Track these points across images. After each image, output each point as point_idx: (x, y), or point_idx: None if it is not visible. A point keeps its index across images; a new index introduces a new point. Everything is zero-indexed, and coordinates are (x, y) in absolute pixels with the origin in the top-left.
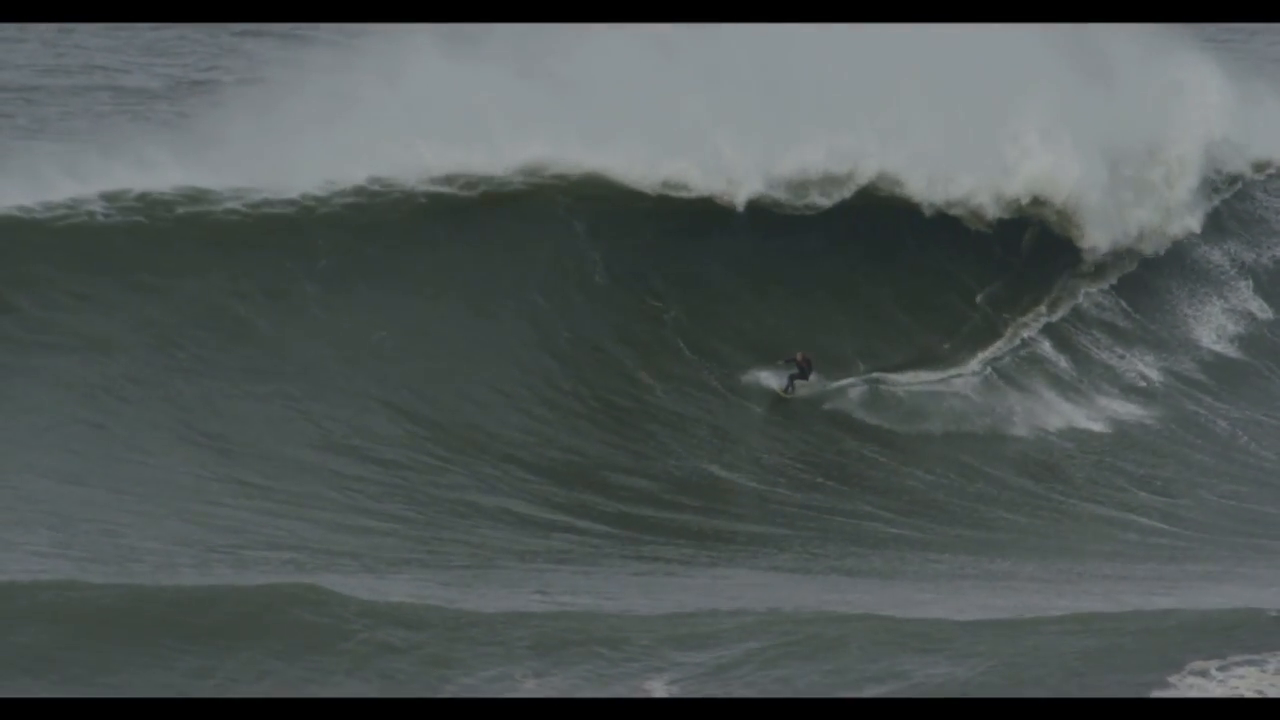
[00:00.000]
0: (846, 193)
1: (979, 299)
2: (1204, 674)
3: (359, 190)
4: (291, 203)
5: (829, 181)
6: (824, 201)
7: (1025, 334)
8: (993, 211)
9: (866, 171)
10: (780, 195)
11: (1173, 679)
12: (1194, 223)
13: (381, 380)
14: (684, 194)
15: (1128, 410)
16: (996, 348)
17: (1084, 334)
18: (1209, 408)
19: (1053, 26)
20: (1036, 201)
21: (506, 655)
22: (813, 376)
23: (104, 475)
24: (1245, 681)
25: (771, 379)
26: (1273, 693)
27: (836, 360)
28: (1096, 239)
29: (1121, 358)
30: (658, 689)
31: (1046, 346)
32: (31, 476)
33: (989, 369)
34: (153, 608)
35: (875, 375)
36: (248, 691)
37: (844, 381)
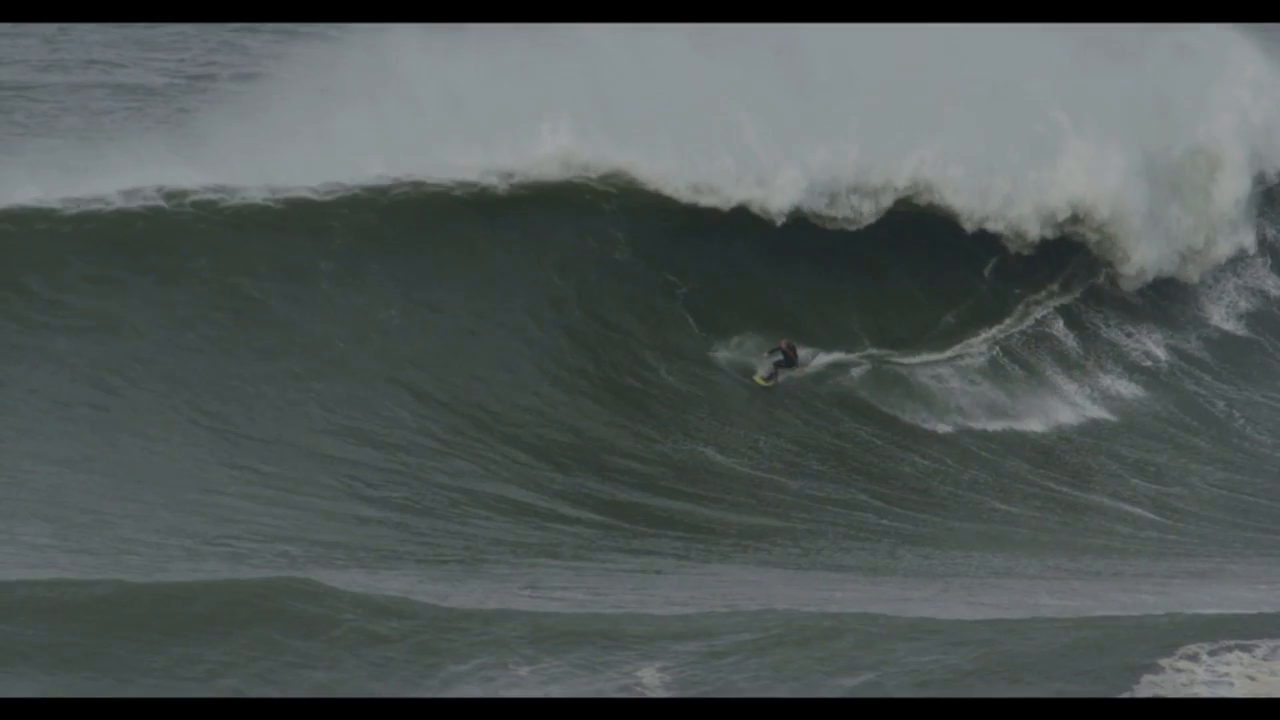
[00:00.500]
0: (886, 200)
1: (991, 275)
2: (1194, 658)
3: (380, 176)
4: (312, 190)
5: (864, 190)
6: (864, 208)
7: (1037, 312)
8: (1035, 228)
9: (901, 178)
10: (818, 206)
11: (1164, 662)
12: (1247, 238)
13: (389, 358)
14: (714, 200)
15: (1130, 391)
16: (1006, 325)
17: (1096, 311)
18: (1209, 388)
19: (1057, 26)
20: (1075, 219)
21: (499, 645)
22: (803, 353)
23: (103, 461)
24: (1233, 668)
25: (758, 368)
26: (1261, 677)
27: (844, 335)
28: (1142, 257)
29: (1129, 335)
30: (649, 675)
31: (1058, 325)
32: (30, 462)
33: (996, 348)
34: (143, 598)
35: (880, 353)
36: (236, 677)
37: (849, 357)
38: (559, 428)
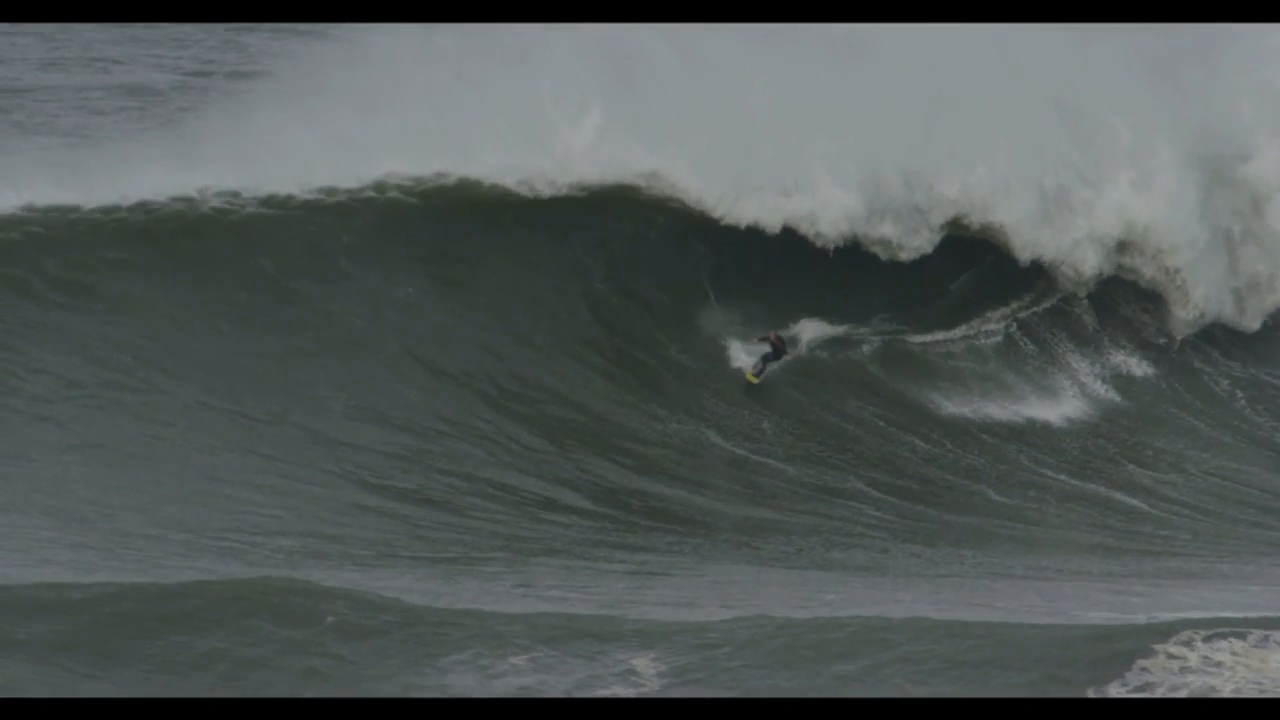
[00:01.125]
0: (937, 220)
1: (1014, 251)
2: (1189, 644)
3: (403, 164)
4: (336, 180)
5: (913, 205)
6: (918, 228)
7: (1058, 291)
8: (1093, 257)
9: (950, 185)
10: (869, 229)
11: (1158, 648)
12: None
13: (406, 335)
14: (759, 212)
15: (1141, 369)
16: (1026, 301)
17: (1115, 288)
18: (1215, 364)
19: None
20: (1123, 245)
21: (494, 637)
22: (790, 331)
23: (108, 449)
24: (1225, 655)
25: (744, 360)
26: (1254, 665)
27: (863, 309)
28: (1203, 295)
29: (1146, 310)
30: (644, 664)
31: (1080, 301)
32: (36, 450)
33: (1013, 325)
34: (137, 592)
35: (894, 329)
36: (228, 663)
37: (861, 332)
38: (567, 405)
